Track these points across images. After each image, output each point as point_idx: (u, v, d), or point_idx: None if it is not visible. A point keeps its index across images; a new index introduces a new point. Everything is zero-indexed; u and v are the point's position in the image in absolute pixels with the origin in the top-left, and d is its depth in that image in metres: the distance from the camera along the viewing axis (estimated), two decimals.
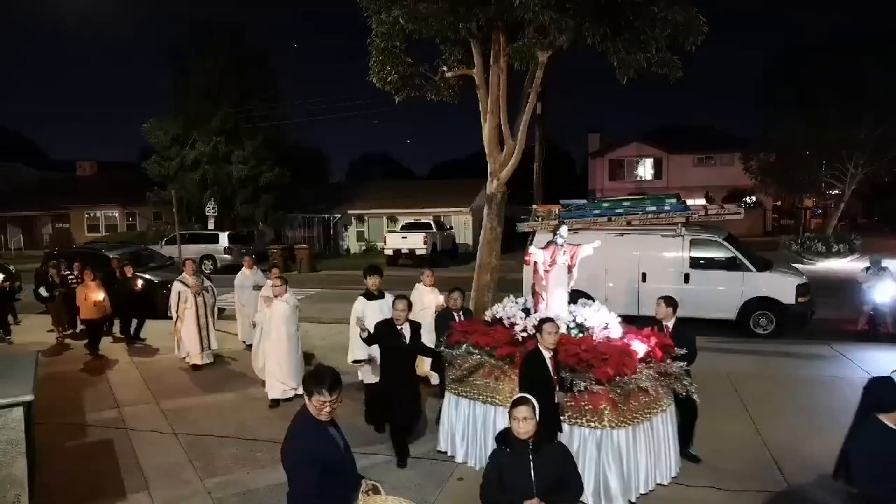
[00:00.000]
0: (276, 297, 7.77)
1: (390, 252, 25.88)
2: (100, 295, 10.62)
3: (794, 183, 29.00)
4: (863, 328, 11.29)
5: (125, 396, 8.21)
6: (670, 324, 5.88)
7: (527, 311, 6.16)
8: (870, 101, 23.85)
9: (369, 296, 6.86)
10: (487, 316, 6.43)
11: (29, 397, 4.40)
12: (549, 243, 6.13)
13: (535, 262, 6.10)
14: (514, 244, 13.76)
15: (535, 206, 12.71)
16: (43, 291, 11.70)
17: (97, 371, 9.56)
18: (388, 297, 6.65)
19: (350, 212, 33.01)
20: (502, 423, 5.16)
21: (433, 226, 27.25)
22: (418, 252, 25.18)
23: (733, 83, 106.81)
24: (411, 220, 28.29)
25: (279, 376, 7.71)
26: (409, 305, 6.03)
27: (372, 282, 6.90)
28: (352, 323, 6.66)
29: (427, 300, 7.92)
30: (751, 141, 30.45)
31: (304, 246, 26.29)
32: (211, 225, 26.93)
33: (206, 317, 9.58)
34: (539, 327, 4.92)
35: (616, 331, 5.68)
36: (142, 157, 32.20)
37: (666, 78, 9.82)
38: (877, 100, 23.71)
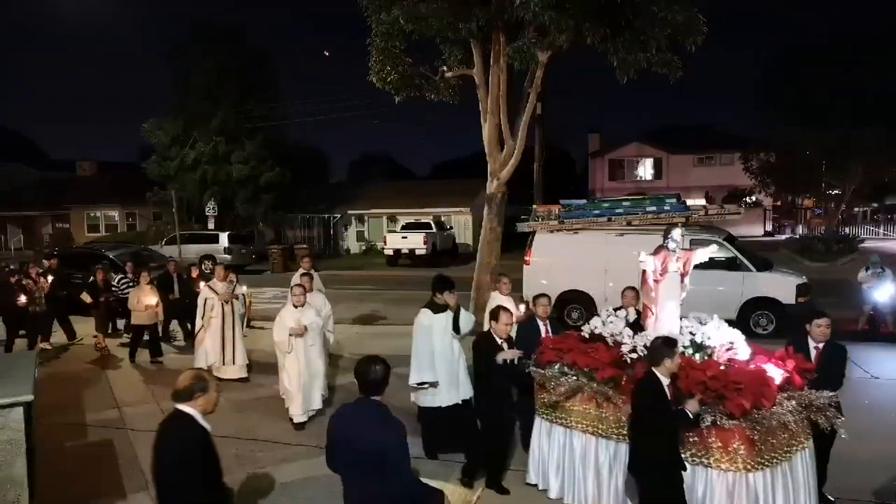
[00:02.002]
0: (295, 306, 7.01)
1: (390, 252, 25.88)
2: (153, 299, 10.02)
3: (794, 183, 29.00)
4: (863, 328, 11.29)
5: (125, 396, 8.21)
6: (821, 345, 5.00)
7: (631, 326, 5.41)
8: (870, 101, 23.84)
9: (435, 308, 5.99)
10: (584, 331, 5.64)
11: (29, 397, 4.39)
12: (658, 248, 5.33)
13: (644, 271, 5.32)
14: (514, 244, 13.76)
15: (535, 206, 12.72)
16: (86, 297, 10.77)
17: (97, 371, 9.56)
18: (455, 310, 6.03)
19: (350, 212, 33.01)
20: (605, 456, 4.79)
21: (433, 226, 27.25)
22: (418, 252, 25.18)
23: (733, 83, 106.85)
24: (411, 220, 28.29)
25: (304, 402, 6.99)
26: (513, 318, 5.33)
27: (450, 297, 5.90)
28: (415, 337, 6.01)
29: None
30: (751, 141, 30.46)
31: (304, 246, 26.28)
32: (211, 225, 26.91)
33: (233, 328, 8.77)
34: (660, 349, 4.08)
35: (743, 352, 4.86)
36: (142, 157, 32.19)
37: (666, 78, 9.84)
38: (877, 100, 23.70)
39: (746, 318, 11.01)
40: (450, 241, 28.80)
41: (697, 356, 4.83)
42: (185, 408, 3.24)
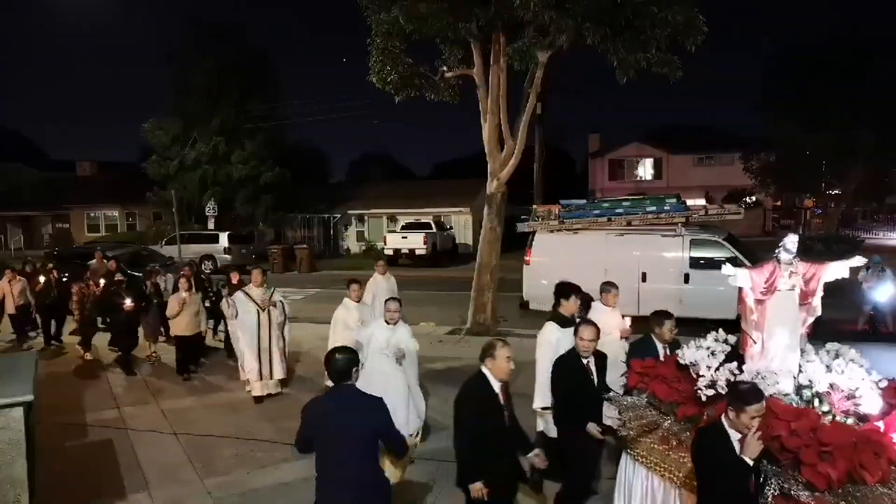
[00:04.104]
0: (388, 322, 5.89)
1: (390, 252, 25.88)
2: (194, 307, 9.09)
3: (794, 183, 29.01)
4: (863, 328, 11.29)
5: (125, 396, 8.21)
6: None
7: (735, 357, 4.34)
8: (870, 100, 23.86)
9: (562, 321, 5.16)
10: (680, 357, 4.58)
11: (29, 397, 4.39)
12: (768, 259, 4.36)
13: (741, 289, 4.30)
14: (514, 244, 13.78)
15: (535, 206, 12.74)
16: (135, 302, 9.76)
17: (97, 371, 9.55)
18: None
19: (350, 212, 33.02)
20: None
21: (433, 226, 27.27)
22: (418, 252, 25.21)
23: (733, 83, 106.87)
24: (411, 220, 28.32)
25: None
26: (598, 333, 4.63)
27: (574, 306, 5.22)
28: (539, 355, 5.12)
29: (609, 324, 5.87)
30: (751, 141, 30.48)
31: (304, 246, 26.33)
32: (211, 225, 26.94)
33: (270, 339, 7.90)
34: (728, 395, 3.29)
35: (871, 403, 3.73)
36: (142, 157, 32.19)
37: (666, 78, 9.85)
38: (877, 99, 23.72)
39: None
40: (450, 241, 28.82)
41: (809, 401, 3.82)
42: (482, 367, 3.98)
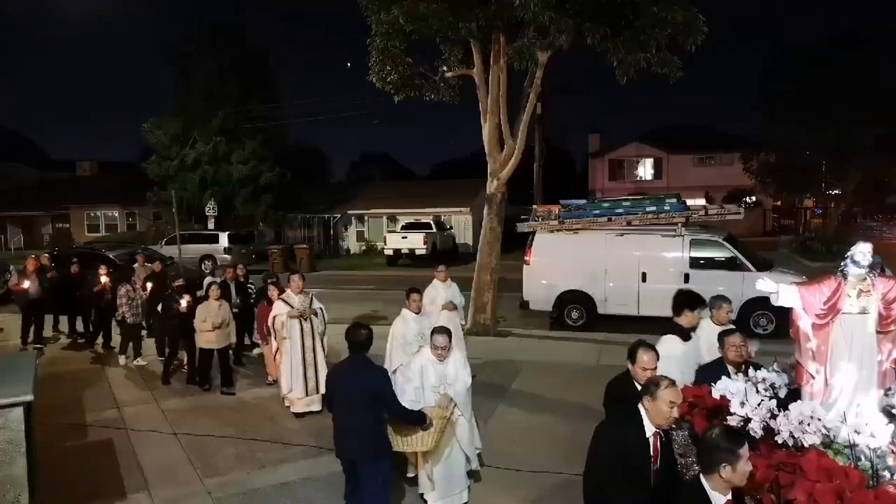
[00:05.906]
0: (438, 352, 4.82)
1: (390, 252, 25.91)
2: (219, 318, 8.25)
3: (794, 183, 29.01)
4: None
5: (125, 396, 8.21)
6: None
7: (794, 394, 3.58)
8: (870, 100, 23.86)
9: (684, 334, 4.67)
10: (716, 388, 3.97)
11: (29, 397, 4.39)
12: (830, 274, 3.49)
13: (793, 309, 3.45)
14: (514, 244, 13.78)
15: (535, 206, 12.74)
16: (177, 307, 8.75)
17: (97, 371, 9.54)
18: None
19: (350, 212, 33.03)
20: None
21: (433, 226, 27.29)
22: (418, 252, 25.22)
23: (734, 83, 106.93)
24: (411, 220, 28.34)
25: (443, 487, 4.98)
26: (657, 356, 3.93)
27: (696, 318, 4.72)
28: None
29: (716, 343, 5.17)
30: (751, 141, 30.48)
31: (304, 246, 26.33)
32: (211, 225, 26.92)
33: (314, 350, 7.32)
34: (715, 448, 2.63)
35: None
36: (142, 157, 32.21)
37: (666, 78, 9.86)
38: (877, 99, 23.72)
39: (746, 318, 11.03)
40: (450, 241, 28.84)
41: (891, 461, 2.94)
42: (641, 403, 3.05)
